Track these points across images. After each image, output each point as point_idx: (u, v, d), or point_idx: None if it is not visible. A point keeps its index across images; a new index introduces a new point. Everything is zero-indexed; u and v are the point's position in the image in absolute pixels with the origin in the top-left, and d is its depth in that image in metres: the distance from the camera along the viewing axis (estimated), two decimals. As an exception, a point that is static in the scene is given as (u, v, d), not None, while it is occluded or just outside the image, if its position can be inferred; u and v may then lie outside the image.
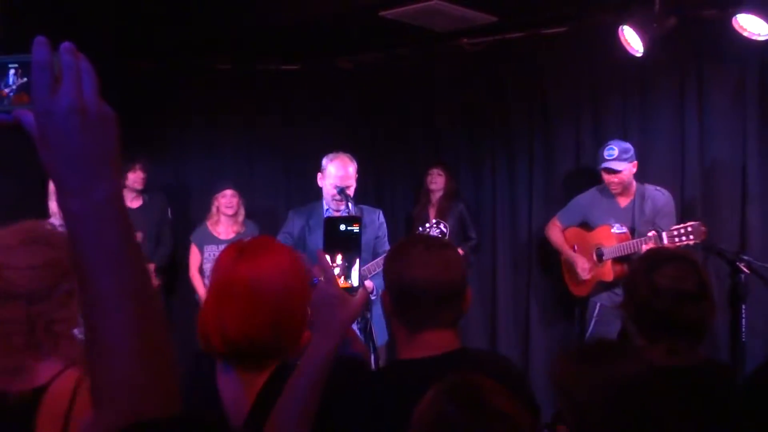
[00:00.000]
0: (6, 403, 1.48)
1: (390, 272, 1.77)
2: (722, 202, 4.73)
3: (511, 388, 1.46)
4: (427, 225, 4.02)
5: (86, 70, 0.80)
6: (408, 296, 1.71)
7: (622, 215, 4.56)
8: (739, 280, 4.03)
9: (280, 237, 4.01)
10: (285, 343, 1.56)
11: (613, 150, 4.45)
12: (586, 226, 4.81)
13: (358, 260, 1.51)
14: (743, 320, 4.08)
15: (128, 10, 4.48)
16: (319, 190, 4.08)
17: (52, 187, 3.58)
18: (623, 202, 4.62)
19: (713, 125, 4.76)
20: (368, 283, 3.86)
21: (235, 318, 1.54)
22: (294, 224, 4.05)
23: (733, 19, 4.07)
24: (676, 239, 4.05)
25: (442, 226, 3.98)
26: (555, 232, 4.95)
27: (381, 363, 3.73)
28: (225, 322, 1.55)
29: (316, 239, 3.96)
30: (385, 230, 4.22)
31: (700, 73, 4.79)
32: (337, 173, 3.93)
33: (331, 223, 1.52)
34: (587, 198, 4.83)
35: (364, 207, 4.07)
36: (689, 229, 4.02)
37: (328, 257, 1.48)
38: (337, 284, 1.43)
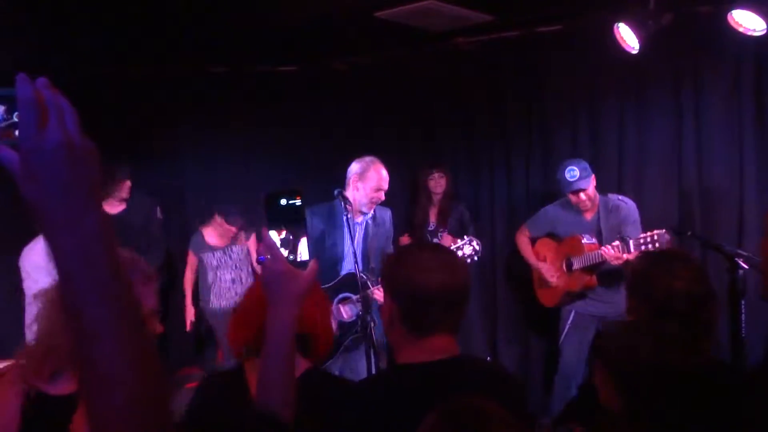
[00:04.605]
0: (46, 403, 1.63)
1: (398, 278, 1.77)
2: (719, 197, 4.73)
3: (509, 397, 1.51)
4: (459, 241, 3.97)
5: (65, 105, 0.81)
6: (419, 301, 1.72)
7: (588, 228, 4.59)
8: (737, 275, 4.04)
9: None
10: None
11: (574, 171, 4.49)
12: (555, 236, 4.82)
13: (305, 236, 1.51)
14: (743, 316, 4.09)
15: (122, 15, 4.45)
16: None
17: None
18: (588, 215, 4.63)
19: (709, 120, 4.77)
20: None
21: None
22: (313, 227, 3.97)
23: (729, 14, 4.07)
24: (642, 247, 4.08)
25: (474, 243, 3.95)
26: (523, 242, 4.98)
27: (382, 365, 3.71)
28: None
29: (334, 238, 3.97)
30: (392, 231, 4.23)
31: (696, 69, 4.80)
32: (379, 176, 3.99)
33: (272, 198, 1.50)
34: (553, 212, 4.83)
35: (376, 205, 4.06)
36: (655, 237, 4.06)
37: (274, 233, 1.48)
38: (284, 261, 1.44)
